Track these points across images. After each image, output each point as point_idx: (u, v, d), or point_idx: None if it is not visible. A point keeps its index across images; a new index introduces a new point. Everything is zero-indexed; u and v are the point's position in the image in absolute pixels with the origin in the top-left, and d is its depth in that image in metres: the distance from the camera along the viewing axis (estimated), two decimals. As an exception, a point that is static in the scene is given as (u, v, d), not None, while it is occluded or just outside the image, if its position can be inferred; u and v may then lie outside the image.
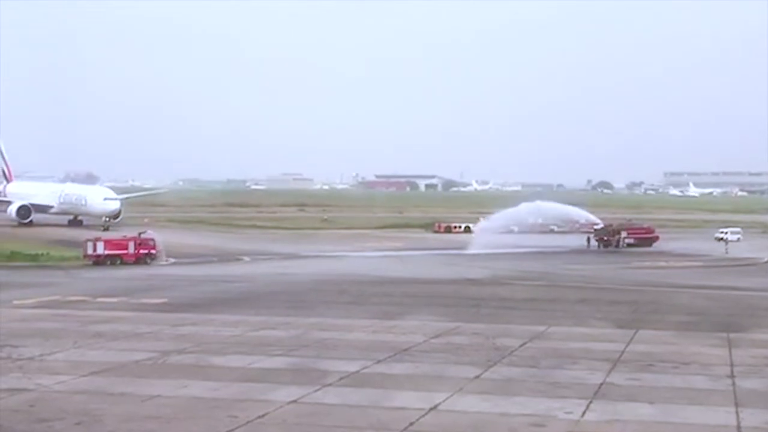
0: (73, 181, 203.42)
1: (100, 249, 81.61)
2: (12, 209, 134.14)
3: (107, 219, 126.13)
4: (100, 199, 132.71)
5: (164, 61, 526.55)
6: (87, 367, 30.84)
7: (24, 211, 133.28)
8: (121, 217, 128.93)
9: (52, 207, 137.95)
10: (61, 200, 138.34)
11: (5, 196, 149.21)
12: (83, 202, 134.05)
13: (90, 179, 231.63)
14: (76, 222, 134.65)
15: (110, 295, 55.64)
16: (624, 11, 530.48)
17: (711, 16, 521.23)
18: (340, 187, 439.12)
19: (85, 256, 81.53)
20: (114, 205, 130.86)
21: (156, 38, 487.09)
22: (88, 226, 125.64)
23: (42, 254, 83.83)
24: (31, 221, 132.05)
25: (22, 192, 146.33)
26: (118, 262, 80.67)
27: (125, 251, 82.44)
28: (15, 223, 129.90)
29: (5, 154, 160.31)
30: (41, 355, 33.23)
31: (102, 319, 43.66)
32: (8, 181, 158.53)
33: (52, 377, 29.21)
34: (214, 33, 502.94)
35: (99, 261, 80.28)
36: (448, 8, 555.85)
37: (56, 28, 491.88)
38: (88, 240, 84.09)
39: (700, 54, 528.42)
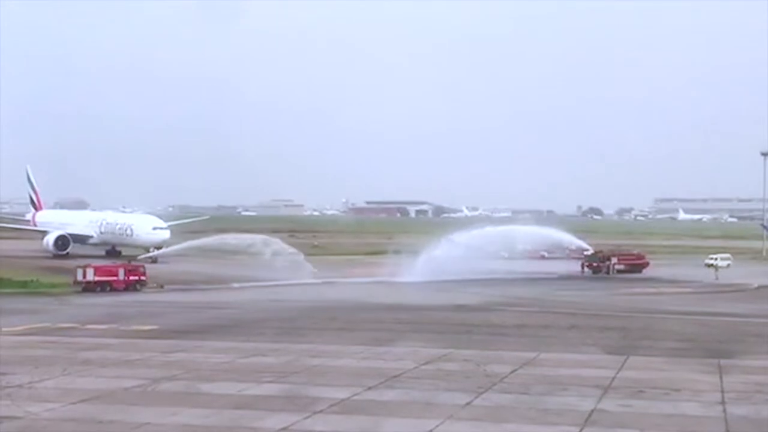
0: (62, 207, 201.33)
1: (90, 275, 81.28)
2: (49, 240, 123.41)
3: (153, 250, 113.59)
4: (148, 228, 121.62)
5: (150, 86, 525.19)
6: (76, 395, 30.71)
7: (62, 241, 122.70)
8: (164, 248, 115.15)
9: (91, 237, 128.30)
10: (102, 230, 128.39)
11: (35, 225, 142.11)
12: (128, 232, 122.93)
13: (80, 205, 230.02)
14: (113, 252, 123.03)
15: (100, 322, 55.43)
16: (610, 40, 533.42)
17: (700, 43, 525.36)
18: (330, 213, 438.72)
19: (75, 282, 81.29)
20: (164, 235, 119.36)
21: (141, 61, 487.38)
22: (126, 257, 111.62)
23: (32, 281, 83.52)
24: (68, 253, 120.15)
25: (54, 221, 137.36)
26: (108, 288, 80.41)
27: (115, 278, 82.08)
28: (50, 255, 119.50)
29: (34, 182, 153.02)
30: (30, 382, 33.08)
31: (91, 346, 43.49)
32: (37, 209, 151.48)
33: (42, 405, 29.09)
34: (201, 62, 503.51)
35: (88, 288, 79.92)
36: (437, 25, 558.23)
37: (47, 45, 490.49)
38: (78, 266, 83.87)
39: (689, 79, 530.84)
